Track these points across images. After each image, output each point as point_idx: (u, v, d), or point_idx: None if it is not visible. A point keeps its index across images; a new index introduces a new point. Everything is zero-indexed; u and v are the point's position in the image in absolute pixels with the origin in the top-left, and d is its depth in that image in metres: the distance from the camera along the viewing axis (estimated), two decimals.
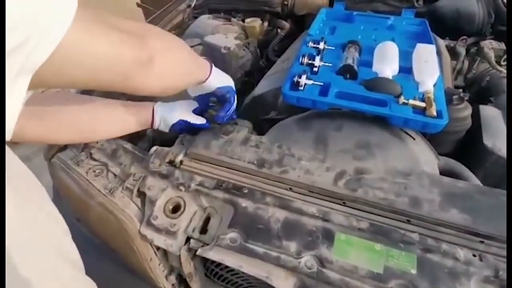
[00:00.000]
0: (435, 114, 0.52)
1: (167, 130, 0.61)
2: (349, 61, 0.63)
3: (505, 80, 0.75)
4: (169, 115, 0.59)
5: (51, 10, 0.25)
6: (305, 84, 0.59)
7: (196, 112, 0.61)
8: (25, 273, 0.27)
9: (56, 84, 0.31)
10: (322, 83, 0.60)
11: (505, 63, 0.79)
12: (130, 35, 0.34)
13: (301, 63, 0.65)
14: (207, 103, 0.61)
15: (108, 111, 0.57)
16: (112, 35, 0.32)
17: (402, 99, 0.54)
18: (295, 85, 0.60)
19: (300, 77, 0.59)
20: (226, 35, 0.89)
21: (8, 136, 0.27)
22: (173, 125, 0.59)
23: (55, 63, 0.26)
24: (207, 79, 0.53)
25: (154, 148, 0.59)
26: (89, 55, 0.30)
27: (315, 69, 0.64)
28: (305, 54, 0.66)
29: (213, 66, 0.54)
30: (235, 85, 0.88)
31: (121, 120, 0.58)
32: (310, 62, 0.64)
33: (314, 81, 0.61)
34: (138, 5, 1.98)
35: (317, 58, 0.64)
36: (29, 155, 1.91)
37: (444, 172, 0.57)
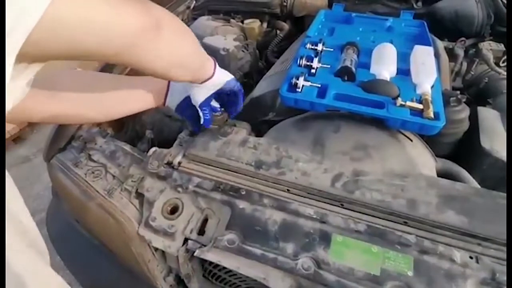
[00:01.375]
0: (432, 116, 0.52)
1: (176, 103, 0.57)
2: (347, 63, 0.63)
3: (504, 81, 0.76)
4: (184, 84, 0.55)
5: None
6: (303, 86, 0.60)
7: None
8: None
9: (46, 56, 0.27)
10: (320, 85, 0.61)
11: (504, 64, 0.79)
12: (133, 1, 0.31)
13: (299, 65, 0.65)
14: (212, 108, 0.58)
15: (125, 84, 0.55)
16: None
17: (399, 101, 0.54)
18: (293, 87, 0.60)
19: (298, 79, 0.59)
20: (225, 36, 0.90)
21: None
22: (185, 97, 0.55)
23: (45, 29, 0.24)
24: (213, 73, 0.49)
25: (152, 149, 0.59)
26: (86, 21, 0.27)
27: (313, 70, 0.64)
28: (303, 56, 0.66)
29: (216, 62, 0.51)
30: None
31: (139, 92, 0.56)
32: (308, 63, 0.65)
33: (312, 82, 0.61)
34: None
35: (315, 60, 0.64)
36: (29, 156, 1.92)
37: (442, 174, 0.58)
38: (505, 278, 0.40)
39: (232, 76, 0.54)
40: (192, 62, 0.45)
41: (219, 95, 0.54)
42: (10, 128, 1.89)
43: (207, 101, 0.54)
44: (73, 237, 0.68)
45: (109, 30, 0.29)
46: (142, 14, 0.32)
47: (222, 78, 0.52)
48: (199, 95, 0.53)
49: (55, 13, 0.24)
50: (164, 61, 0.38)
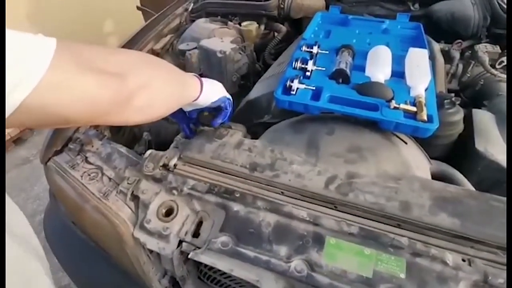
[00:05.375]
0: (425, 118, 0.52)
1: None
2: (342, 66, 0.63)
3: (499, 83, 0.76)
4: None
5: (24, 59, 0.26)
6: (297, 88, 0.60)
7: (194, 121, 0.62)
8: None
9: (26, 126, 0.31)
10: (314, 88, 0.61)
11: (500, 66, 0.79)
12: (109, 76, 0.34)
13: (294, 67, 0.66)
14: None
15: None
16: (90, 78, 0.32)
17: (393, 104, 0.55)
18: (288, 89, 0.60)
19: (292, 82, 0.60)
20: (222, 38, 0.90)
21: None
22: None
23: (27, 110, 0.27)
24: (198, 97, 0.51)
25: (148, 151, 0.60)
26: (65, 101, 0.30)
27: (308, 73, 0.64)
28: (298, 58, 0.66)
29: (204, 82, 0.52)
30: (232, 88, 0.89)
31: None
32: (303, 66, 0.65)
33: (306, 85, 0.61)
34: (138, 8, 1.99)
35: (310, 63, 0.65)
36: (29, 157, 1.92)
37: (436, 176, 0.58)
38: (497, 280, 0.40)
39: (222, 95, 0.56)
40: (170, 107, 0.48)
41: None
42: (10, 130, 1.90)
43: (192, 113, 0.58)
44: (70, 239, 0.68)
45: (83, 109, 0.32)
46: (115, 92, 0.34)
47: (209, 98, 0.54)
48: (185, 108, 0.57)
49: (34, 95, 0.27)
50: (137, 120, 0.41)
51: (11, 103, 0.26)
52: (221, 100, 0.56)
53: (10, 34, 0.25)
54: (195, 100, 0.51)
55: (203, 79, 0.53)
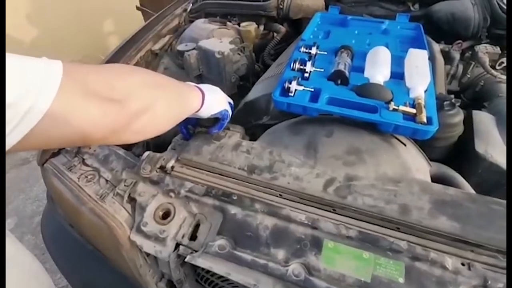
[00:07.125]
0: (425, 120, 0.52)
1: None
2: (341, 67, 0.63)
3: (499, 85, 0.75)
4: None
5: (30, 92, 0.26)
6: (295, 90, 0.59)
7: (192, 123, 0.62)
8: None
9: (26, 150, 0.33)
10: (313, 89, 0.60)
11: (500, 67, 0.79)
12: (111, 104, 0.35)
13: (293, 69, 0.65)
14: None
15: None
16: (93, 108, 0.33)
17: (392, 105, 0.54)
18: (286, 91, 0.60)
19: (290, 83, 0.59)
20: (221, 39, 0.90)
21: None
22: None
23: (29, 140, 0.28)
24: (199, 109, 0.52)
25: (146, 153, 0.59)
26: (67, 130, 0.31)
27: (306, 74, 0.63)
28: (297, 60, 0.65)
29: (205, 95, 0.52)
30: (231, 89, 0.89)
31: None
32: (301, 67, 0.64)
33: (305, 86, 0.60)
34: (137, 8, 1.99)
35: (309, 64, 0.64)
36: (28, 158, 1.92)
37: (436, 178, 0.57)
38: (497, 285, 0.39)
39: (223, 108, 0.57)
40: (171, 124, 0.48)
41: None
42: None
43: (191, 121, 0.60)
44: (67, 241, 0.68)
45: (84, 135, 0.34)
46: (115, 120, 0.35)
47: (209, 111, 0.54)
48: None
49: (38, 128, 0.28)
50: (135, 140, 0.42)
51: (15, 137, 0.26)
52: (221, 113, 0.57)
53: (13, 62, 0.26)
54: (197, 111, 0.52)
55: (204, 90, 0.53)
